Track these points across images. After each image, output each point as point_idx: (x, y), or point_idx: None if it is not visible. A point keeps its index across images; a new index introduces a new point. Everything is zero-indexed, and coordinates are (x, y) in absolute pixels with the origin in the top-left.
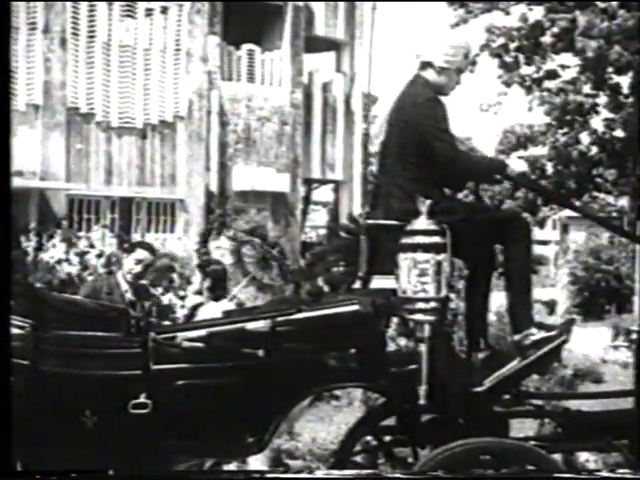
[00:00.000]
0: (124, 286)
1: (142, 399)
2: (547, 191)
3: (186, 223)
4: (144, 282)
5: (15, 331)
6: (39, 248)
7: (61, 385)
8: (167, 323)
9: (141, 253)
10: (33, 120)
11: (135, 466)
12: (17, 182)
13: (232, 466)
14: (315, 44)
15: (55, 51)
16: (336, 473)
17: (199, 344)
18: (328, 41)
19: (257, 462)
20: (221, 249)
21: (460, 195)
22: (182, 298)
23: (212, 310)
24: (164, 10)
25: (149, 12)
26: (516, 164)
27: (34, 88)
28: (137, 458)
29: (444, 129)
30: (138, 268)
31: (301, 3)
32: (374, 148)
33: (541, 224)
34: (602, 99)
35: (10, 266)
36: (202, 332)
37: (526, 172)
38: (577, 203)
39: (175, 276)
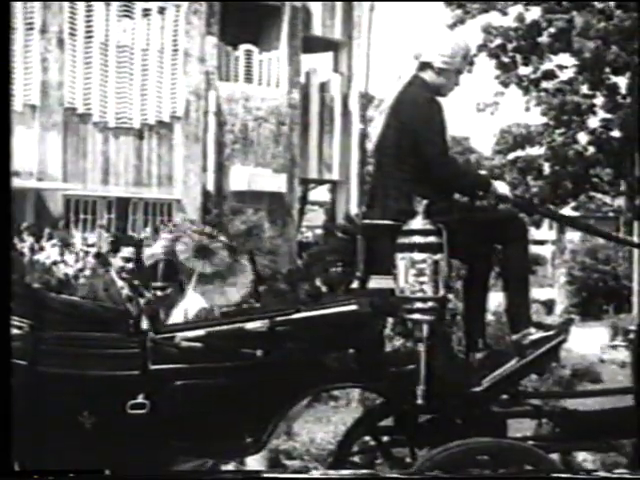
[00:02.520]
0: (119, 283)
1: (140, 399)
2: (532, 208)
3: None
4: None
5: (14, 331)
6: (36, 248)
7: (59, 385)
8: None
9: (127, 250)
10: (30, 120)
11: (133, 466)
12: (14, 182)
13: (230, 466)
14: (312, 44)
15: (52, 51)
16: (334, 473)
17: (197, 344)
18: (326, 41)
19: (255, 462)
20: (153, 256)
21: (456, 195)
22: (130, 299)
23: (179, 312)
24: (161, 10)
25: (146, 12)
26: (500, 185)
27: (31, 88)
28: (135, 458)
29: (438, 132)
30: (129, 265)
31: (298, 3)
32: (371, 148)
33: (538, 224)
34: (599, 99)
35: (10, 266)
36: (200, 332)
37: (508, 192)
38: (573, 203)
39: None
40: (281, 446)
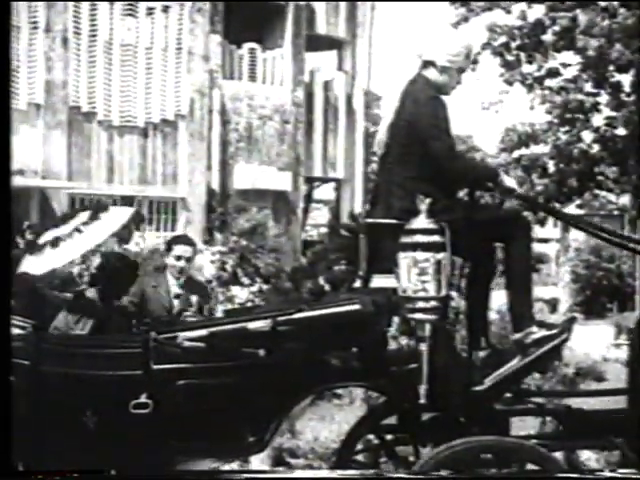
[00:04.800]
0: (171, 281)
1: (143, 399)
2: (536, 203)
3: (187, 221)
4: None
5: (16, 331)
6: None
7: (62, 385)
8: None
9: (181, 249)
10: (34, 119)
11: (136, 466)
12: (19, 181)
13: (234, 465)
14: (316, 43)
15: (56, 50)
16: (338, 472)
17: (200, 344)
18: (329, 40)
19: (259, 461)
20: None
21: (460, 194)
22: (177, 296)
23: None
24: (165, 9)
25: (150, 11)
26: (507, 179)
27: (35, 87)
28: (138, 458)
29: (444, 129)
30: (180, 264)
31: (302, 2)
32: (375, 146)
33: (542, 222)
34: (603, 97)
35: (11, 265)
36: (203, 332)
37: (515, 185)
38: (577, 201)
39: None
40: (285, 445)
